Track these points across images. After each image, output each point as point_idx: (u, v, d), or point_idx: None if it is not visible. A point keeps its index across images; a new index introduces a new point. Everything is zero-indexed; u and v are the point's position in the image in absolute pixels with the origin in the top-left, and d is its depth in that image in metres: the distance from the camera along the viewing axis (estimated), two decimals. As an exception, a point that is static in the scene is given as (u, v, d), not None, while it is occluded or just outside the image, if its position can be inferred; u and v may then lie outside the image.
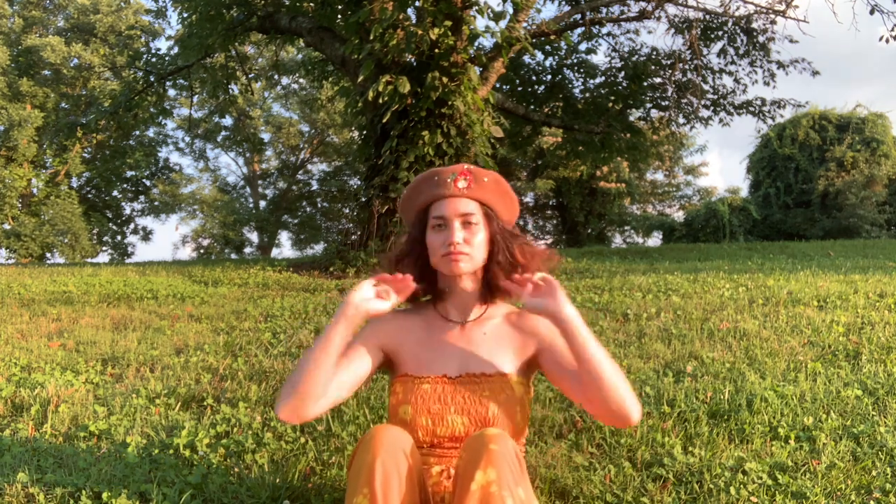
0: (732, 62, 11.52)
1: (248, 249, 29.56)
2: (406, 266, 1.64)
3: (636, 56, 11.94)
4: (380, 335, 1.67)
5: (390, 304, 1.56)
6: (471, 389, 1.58)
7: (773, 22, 11.11)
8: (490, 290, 1.66)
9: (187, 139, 28.43)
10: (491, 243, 1.64)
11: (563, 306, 1.52)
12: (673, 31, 11.18)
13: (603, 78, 12.24)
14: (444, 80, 7.47)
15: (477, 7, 7.43)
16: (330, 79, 13.58)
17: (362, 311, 1.52)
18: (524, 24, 9.05)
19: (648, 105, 12.35)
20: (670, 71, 11.52)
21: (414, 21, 7.93)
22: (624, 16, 11.24)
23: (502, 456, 1.34)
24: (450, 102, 7.54)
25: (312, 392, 1.49)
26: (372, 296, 1.55)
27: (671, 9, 11.02)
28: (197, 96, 15.24)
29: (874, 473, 2.02)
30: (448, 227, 1.61)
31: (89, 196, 26.15)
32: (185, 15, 9.92)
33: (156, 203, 28.63)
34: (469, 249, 1.60)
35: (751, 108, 12.05)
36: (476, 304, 1.67)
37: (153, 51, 12.71)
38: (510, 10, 8.39)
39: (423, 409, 1.56)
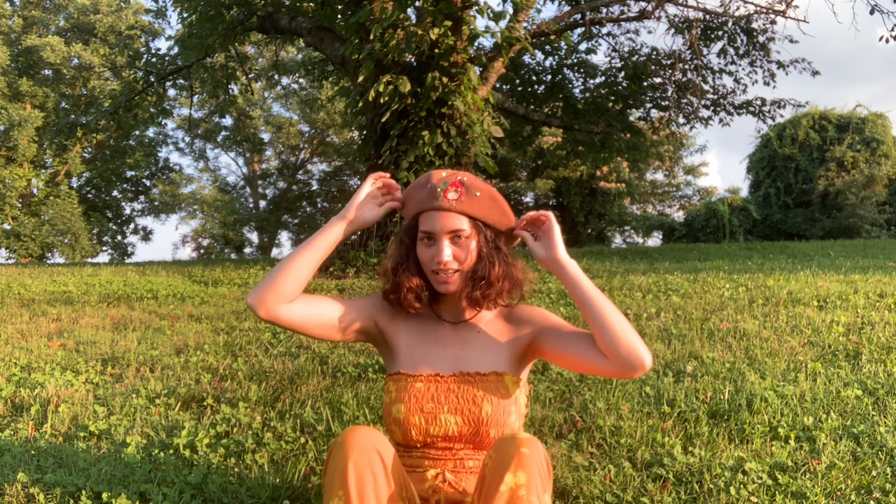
0: (732, 62, 11.50)
1: (248, 249, 29.61)
2: (405, 272, 1.62)
3: (636, 56, 11.93)
4: (379, 310, 1.69)
5: (383, 211, 1.64)
6: (464, 389, 1.57)
7: (773, 22, 11.10)
8: (471, 300, 1.62)
9: (187, 139, 28.47)
10: (478, 256, 1.60)
11: (559, 254, 1.58)
12: (673, 31, 11.16)
13: (603, 78, 12.23)
14: (444, 80, 7.47)
15: (477, 7, 7.43)
16: (330, 79, 13.57)
17: (360, 220, 1.62)
18: (524, 24, 9.04)
19: (648, 105, 12.33)
20: (670, 71, 11.50)
21: (414, 21, 7.92)
22: (624, 16, 11.23)
23: (533, 460, 1.33)
24: (450, 102, 7.54)
25: (284, 284, 1.57)
26: (371, 197, 1.64)
27: (671, 9, 11.01)
28: (197, 96, 15.24)
29: (874, 473, 2.02)
30: (437, 243, 1.58)
31: (89, 196, 26.15)
32: (185, 15, 9.91)
33: (156, 203, 28.65)
34: (458, 266, 1.58)
35: (751, 108, 12.05)
36: (468, 305, 1.65)
37: (153, 51, 12.67)
38: (510, 10, 8.38)
39: (415, 407, 1.55)
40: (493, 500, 1.31)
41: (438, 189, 1.58)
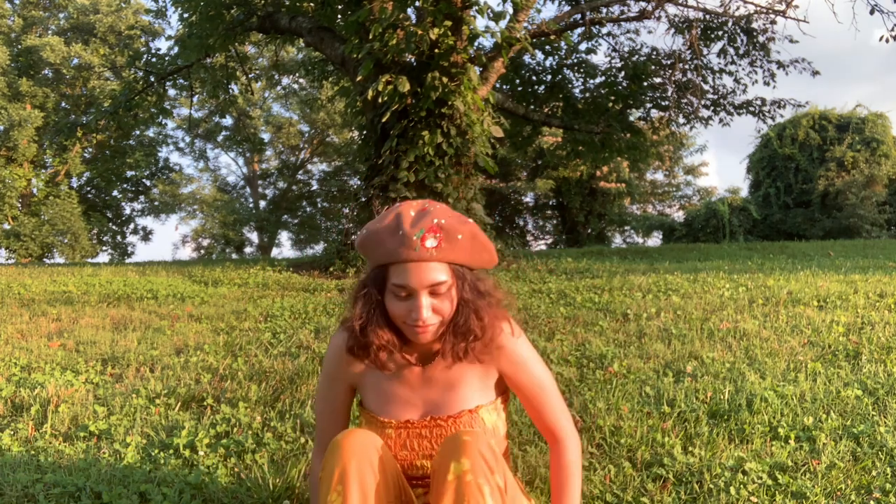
0: (732, 62, 11.50)
1: (248, 249, 29.63)
2: (373, 328, 1.47)
3: (636, 56, 11.93)
4: (346, 372, 1.59)
5: None
6: (437, 433, 1.51)
7: (773, 22, 11.10)
8: (454, 354, 1.49)
9: (187, 139, 28.49)
10: (459, 304, 1.45)
11: None
12: (673, 31, 11.17)
13: (603, 78, 12.23)
14: (444, 80, 7.47)
15: (477, 7, 7.43)
16: (330, 79, 13.58)
17: None
18: (524, 24, 9.04)
19: (648, 105, 12.33)
20: (670, 71, 11.50)
21: (414, 21, 7.93)
22: (624, 16, 11.22)
23: (474, 445, 1.33)
24: (450, 102, 7.54)
25: None
26: None
27: (671, 9, 11.01)
28: (197, 96, 15.24)
29: (874, 473, 2.02)
30: (414, 298, 1.40)
31: (89, 196, 26.16)
32: (186, 15, 9.92)
33: (156, 203, 28.67)
34: (438, 319, 1.43)
35: (751, 108, 12.04)
36: (452, 360, 1.52)
37: (153, 51, 12.68)
38: (510, 10, 8.37)
39: None
40: (443, 492, 1.31)
41: (414, 238, 1.38)
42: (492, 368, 1.56)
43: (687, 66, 11.40)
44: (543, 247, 25.47)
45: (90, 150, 24.91)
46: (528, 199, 25.07)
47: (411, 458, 1.52)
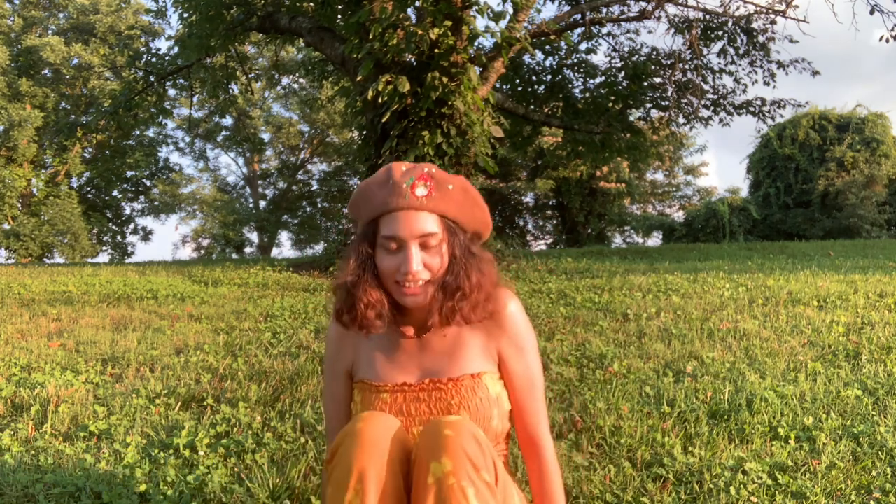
0: (732, 62, 11.50)
1: (248, 249, 29.62)
2: (361, 286, 1.40)
3: (636, 56, 11.93)
4: (343, 360, 1.54)
5: None
6: (437, 397, 1.42)
7: (773, 22, 11.11)
8: (443, 315, 1.41)
9: (187, 139, 28.49)
10: (450, 262, 1.40)
11: None
12: (673, 31, 11.17)
13: (603, 78, 12.23)
14: (444, 80, 7.47)
15: (477, 7, 7.43)
16: (330, 79, 13.59)
17: None
18: (524, 24, 9.04)
19: (648, 105, 12.33)
20: (670, 71, 11.50)
21: (414, 21, 7.93)
22: (624, 16, 11.22)
23: (457, 442, 1.23)
24: (450, 102, 7.54)
25: None
26: None
27: (671, 9, 11.02)
28: (197, 96, 15.24)
29: (874, 473, 2.02)
30: (404, 250, 1.36)
31: (89, 196, 26.15)
32: (186, 15, 9.92)
33: (156, 203, 28.66)
34: (429, 275, 1.38)
35: (751, 108, 12.04)
36: (441, 321, 1.43)
37: (153, 51, 12.70)
38: (510, 10, 8.38)
39: None
40: (424, 497, 1.21)
41: (404, 185, 1.36)
42: (492, 345, 1.48)
43: (687, 66, 11.40)
44: (543, 247, 25.48)
45: (90, 150, 24.91)
46: (528, 199, 25.07)
47: (408, 423, 1.42)
